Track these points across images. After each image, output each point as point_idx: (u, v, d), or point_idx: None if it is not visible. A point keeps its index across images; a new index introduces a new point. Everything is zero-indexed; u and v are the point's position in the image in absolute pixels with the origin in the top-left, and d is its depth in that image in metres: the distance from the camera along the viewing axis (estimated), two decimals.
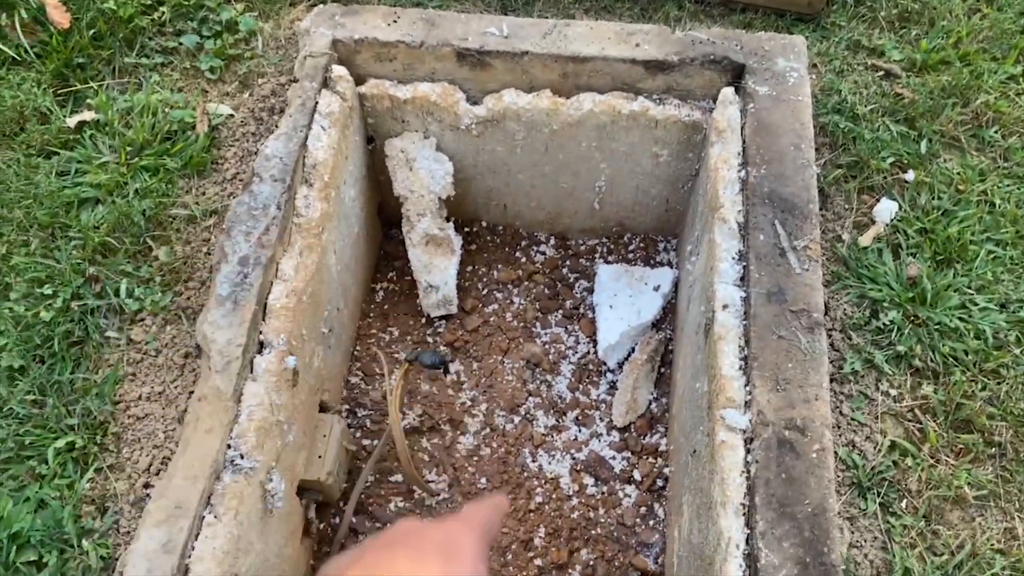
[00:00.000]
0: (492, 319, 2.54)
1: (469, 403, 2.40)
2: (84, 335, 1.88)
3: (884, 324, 1.90)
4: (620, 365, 2.44)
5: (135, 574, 1.48)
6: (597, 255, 2.66)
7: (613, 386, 2.42)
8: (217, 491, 1.61)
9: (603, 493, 2.25)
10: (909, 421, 1.80)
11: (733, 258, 1.81)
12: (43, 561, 1.63)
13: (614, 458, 2.31)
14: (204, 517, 1.58)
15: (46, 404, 1.79)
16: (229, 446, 1.66)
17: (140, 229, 2.01)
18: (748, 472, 1.56)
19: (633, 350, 2.44)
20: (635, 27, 2.15)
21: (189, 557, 1.53)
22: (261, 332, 1.80)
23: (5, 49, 2.27)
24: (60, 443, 1.74)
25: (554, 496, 2.24)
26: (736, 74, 2.09)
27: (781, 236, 1.79)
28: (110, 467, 1.74)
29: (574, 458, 2.31)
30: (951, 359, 1.85)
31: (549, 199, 2.51)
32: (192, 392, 1.77)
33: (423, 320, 2.53)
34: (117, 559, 1.62)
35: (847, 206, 2.08)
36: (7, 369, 1.82)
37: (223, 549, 1.56)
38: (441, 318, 2.53)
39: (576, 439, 2.34)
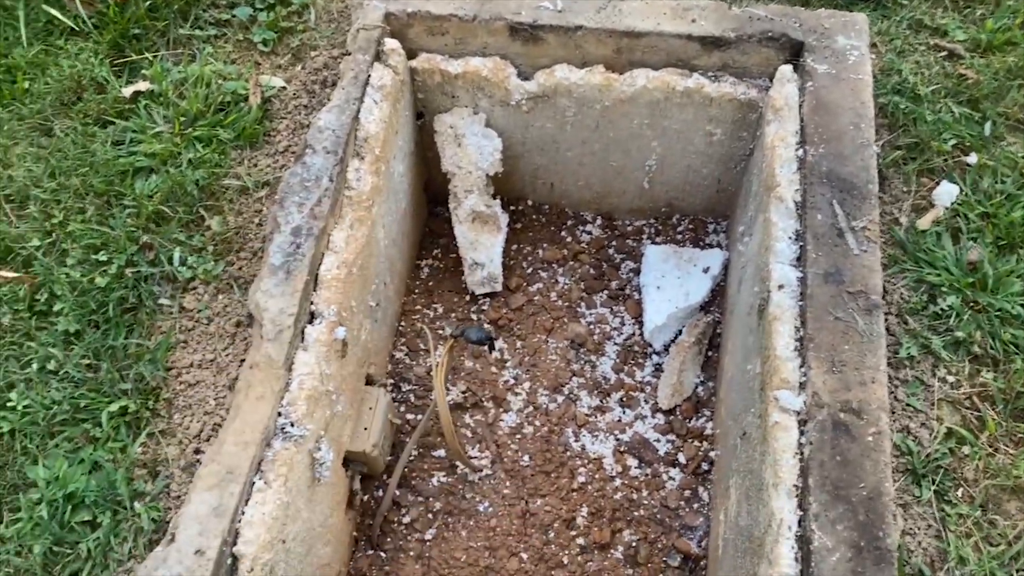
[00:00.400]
0: (537, 298, 2.53)
1: (512, 381, 2.39)
2: (138, 302, 1.90)
3: (942, 309, 1.85)
4: (666, 347, 2.42)
5: (187, 536, 1.50)
6: (644, 236, 2.63)
7: (658, 368, 2.40)
8: (267, 457, 1.62)
9: (647, 475, 2.24)
10: (967, 408, 1.76)
11: (790, 238, 1.77)
12: (97, 521, 1.66)
13: (658, 440, 2.29)
14: (254, 483, 1.59)
15: (100, 368, 1.82)
16: (280, 414, 1.67)
17: (193, 199, 2.02)
18: (802, 454, 1.54)
19: (680, 332, 2.41)
20: (691, 2, 2.11)
21: (239, 521, 1.55)
22: (312, 303, 1.81)
23: (63, 19, 2.30)
24: (114, 407, 1.77)
25: (597, 476, 2.23)
26: (794, 52, 2.05)
27: (839, 216, 1.75)
28: (162, 432, 1.76)
29: (618, 439, 2.29)
30: (1012, 346, 1.80)
31: (597, 178, 2.49)
32: (243, 360, 1.78)
33: (467, 297, 2.52)
34: (168, 522, 1.65)
35: (905, 189, 2.03)
36: (63, 333, 1.85)
37: (272, 515, 1.57)
38: (485, 296, 2.52)
39: (620, 420, 2.33)
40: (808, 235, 1.74)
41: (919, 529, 1.63)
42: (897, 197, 2.02)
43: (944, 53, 2.24)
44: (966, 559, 1.59)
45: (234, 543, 1.53)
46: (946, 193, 2.00)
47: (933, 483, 1.67)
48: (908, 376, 1.79)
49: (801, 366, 1.62)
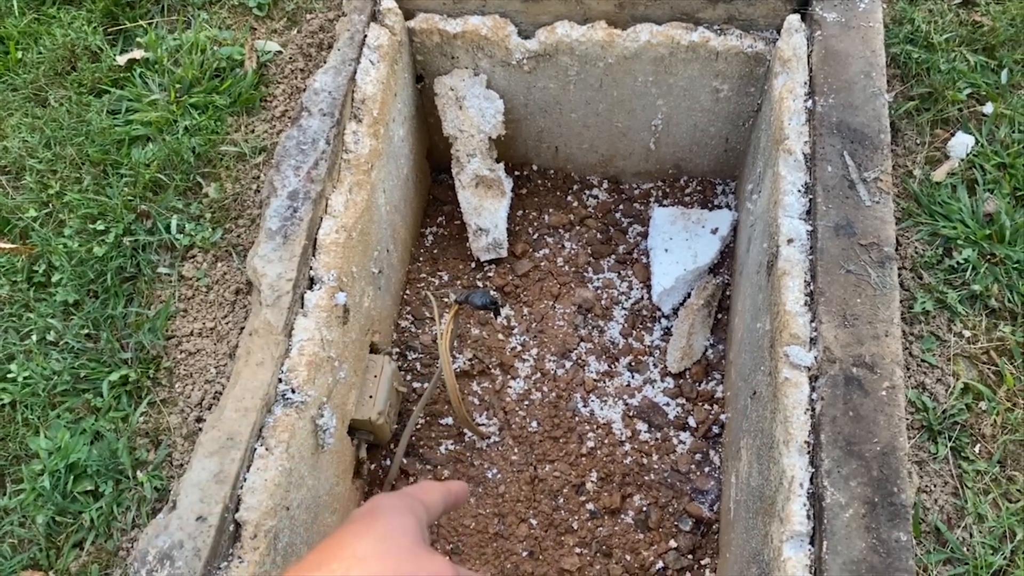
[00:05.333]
0: (543, 264, 2.49)
1: (519, 348, 2.36)
2: (136, 271, 1.88)
3: (958, 263, 1.80)
4: (675, 311, 2.38)
5: (188, 503, 1.48)
6: (651, 199, 2.58)
7: (667, 332, 2.36)
8: (268, 424, 1.60)
9: (657, 439, 2.21)
10: (984, 363, 1.71)
11: (799, 191, 1.72)
12: (99, 491, 1.65)
13: (668, 404, 2.25)
14: (256, 449, 1.57)
15: (100, 338, 1.80)
16: (280, 380, 1.65)
17: (190, 166, 1.99)
18: (813, 410, 1.50)
19: (689, 295, 2.37)
20: None
21: (241, 488, 1.53)
22: (311, 267, 1.77)
23: None
24: (114, 376, 1.75)
25: (606, 441, 2.20)
26: (802, 1, 1.98)
27: (850, 167, 1.70)
28: (163, 401, 1.74)
29: (627, 404, 2.26)
30: None
31: (602, 140, 2.44)
32: (243, 328, 1.76)
33: (473, 264, 2.49)
34: (170, 491, 1.63)
35: (919, 140, 1.97)
36: (62, 304, 1.83)
37: (275, 482, 1.55)
38: (491, 262, 2.49)
39: (629, 385, 2.29)
40: (818, 188, 1.69)
41: (935, 486, 1.60)
42: (910, 149, 1.96)
43: (958, 1, 2.17)
44: (984, 516, 1.55)
45: (236, 510, 1.51)
46: (961, 144, 1.94)
47: (949, 440, 1.63)
48: (923, 331, 1.74)
49: (812, 321, 1.58)
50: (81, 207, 1.93)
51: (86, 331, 1.81)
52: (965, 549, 1.52)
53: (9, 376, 1.75)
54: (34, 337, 1.80)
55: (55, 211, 1.95)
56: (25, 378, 1.75)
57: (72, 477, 1.65)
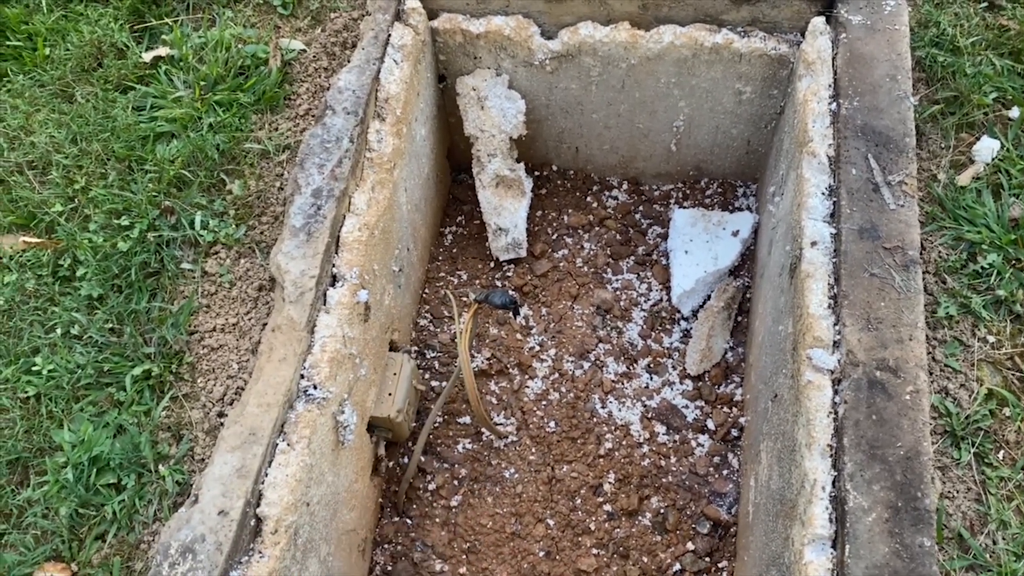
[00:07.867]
0: (562, 264, 2.49)
1: (538, 348, 2.36)
2: (160, 266, 1.89)
3: (982, 267, 1.79)
4: (694, 313, 2.37)
5: (210, 497, 1.49)
6: (672, 200, 2.58)
7: (686, 334, 2.36)
8: (290, 419, 1.61)
9: (675, 442, 2.20)
10: (1008, 369, 1.70)
11: (823, 193, 1.72)
12: (122, 484, 1.66)
13: (687, 407, 2.25)
14: (277, 445, 1.58)
15: (123, 333, 1.81)
16: (302, 376, 1.66)
17: (214, 163, 2.00)
18: (836, 413, 1.49)
19: (709, 297, 2.36)
20: None
21: (263, 483, 1.54)
22: (334, 265, 1.78)
23: None
24: (137, 371, 1.76)
25: (624, 443, 2.20)
26: (827, 3, 1.97)
27: (875, 170, 1.69)
28: (185, 396, 1.76)
29: (645, 406, 2.26)
30: None
31: (623, 141, 2.44)
32: (265, 324, 1.76)
33: (492, 264, 2.49)
34: (192, 485, 1.64)
35: (944, 144, 1.96)
36: (87, 298, 1.85)
37: (296, 477, 1.56)
38: (510, 262, 2.49)
39: (647, 387, 2.29)
40: (842, 190, 1.69)
41: (958, 492, 1.58)
42: (935, 153, 1.95)
43: (984, 4, 2.16)
44: (1008, 523, 1.54)
45: (257, 504, 1.52)
46: (987, 148, 1.92)
47: (973, 445, 1.62)
48: (947, 336, 1.73)
49: (835, 324, 1.57)
50: (106, 202, 1.95)
51: (110, 325, 1.82)
52: (988, 556, 1.51)
53: (34, 369, 1.77)
54: (59, 331, 1.82)
55: (80, 206, 1.96)
56: (49, 371, 1.77)
57: (95, 470, 1.67)
